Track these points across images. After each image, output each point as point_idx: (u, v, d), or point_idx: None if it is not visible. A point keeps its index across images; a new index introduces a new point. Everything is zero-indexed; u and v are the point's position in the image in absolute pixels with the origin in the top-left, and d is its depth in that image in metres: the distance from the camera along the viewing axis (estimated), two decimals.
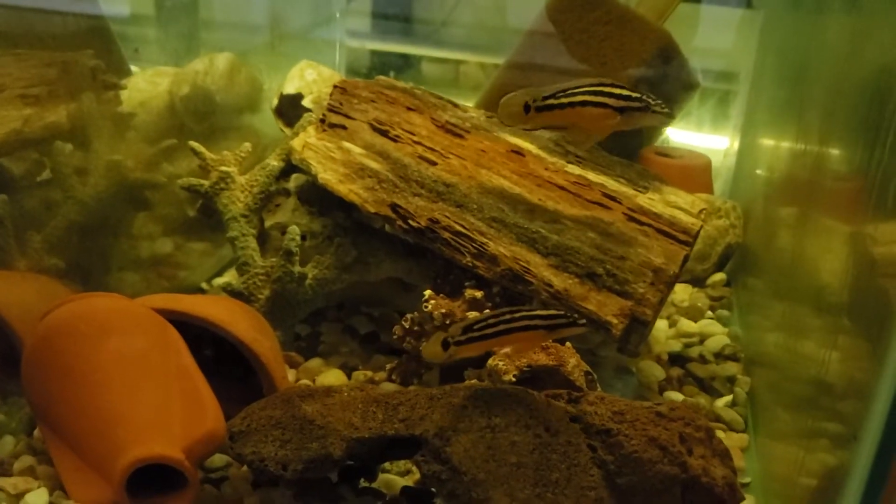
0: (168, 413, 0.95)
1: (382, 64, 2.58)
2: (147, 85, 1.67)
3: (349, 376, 1.34)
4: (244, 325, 1.13)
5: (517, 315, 1.00)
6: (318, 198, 1.44)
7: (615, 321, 1.22)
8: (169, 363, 0.99)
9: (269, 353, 1.13)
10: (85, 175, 1.38)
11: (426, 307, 1.26)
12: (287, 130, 1.67)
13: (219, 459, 1.11)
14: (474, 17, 2.58)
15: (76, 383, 0.97)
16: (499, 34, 2.51)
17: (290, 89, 1.69)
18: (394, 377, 1.32)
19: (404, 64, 2.63)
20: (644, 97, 1.24)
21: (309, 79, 1.72)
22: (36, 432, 1.12)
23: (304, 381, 1.32)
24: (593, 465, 0.90)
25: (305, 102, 1.68)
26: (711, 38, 2.18)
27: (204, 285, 1.58)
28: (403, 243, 1.40)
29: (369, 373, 1.34)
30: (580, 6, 1.88)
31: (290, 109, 1.70)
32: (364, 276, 1.42)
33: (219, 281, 1.59)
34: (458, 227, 1.30)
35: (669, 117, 1.29)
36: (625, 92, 1.21)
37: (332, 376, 1.33)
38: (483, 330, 0.98)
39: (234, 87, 1.72)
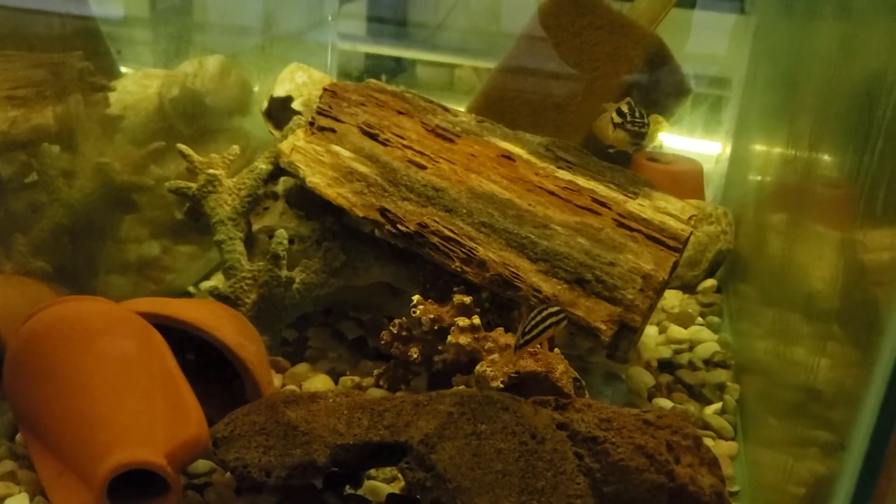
0: (151, 418, 0.94)
1: (377, 67, 2.57)
2: (136, 87, 1.66)
3: (336, 382, 1.33)
4: (229, 329, 1.12)
5: (544, 314, 1.10)
6: (306, 201, 1.43)
7: (604, 327, 1.21)
8: (152, 367, 0.98)
9: (254, 358, 1.12)
10: (72, 177, 1.37)
11: (414, 312, 1.25)
12: (276, 133, 1.66)
13: (202, 465, 1.10)
14: (469, 21, 2.58)
15: (58, 387, 0.96)
16: (493, 38, 2.51)
17: (280, 92, 1.69)
18: (381, 383, 1.31)
19: (399, 67, 2.62)
20: (627, 114, 1.45)
21: (299, 81, 1.71)
22: (17, 437, 1.10)
23: (291, 387, 1.31)
24: (579, 473, 0.89)
25: (295, 105, 1.67)
26: (704, 44, 2.18)
27: (191, 289, 1.57)
28: (392, 248, 1.39)
29: (356, 378, 1.33)
30: (572, 11, 1.88)
31: (280, 112, 1.69)
32: (352, 280, 1.41)
33: (206, 284, 1.58)
34: (447, 232, 1.30)
35: (634, 140, 1.47)
36: (625, 109, 1.46)
37: (319, 381, 1.32)
38: (531, 332, 1.09)
39: (224, 89, 1.72)
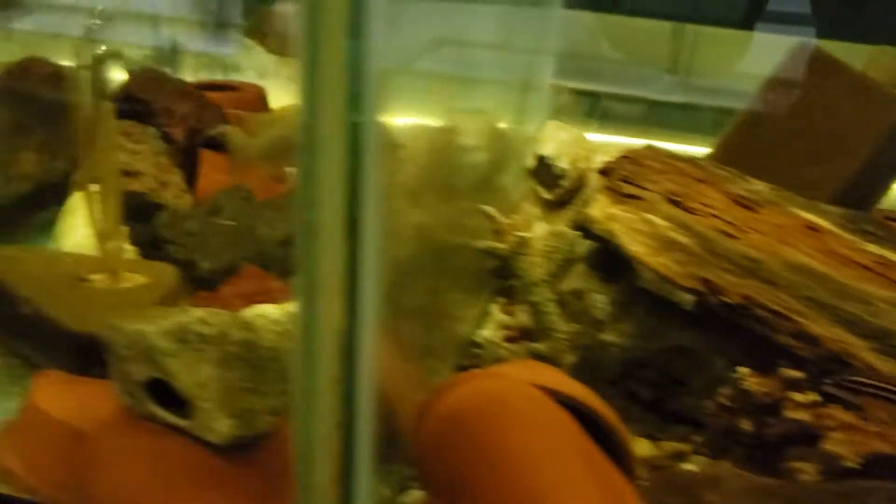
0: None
1: None
2: (408, 140, 1.71)
3: (654, 446, 1.37)
4: (599, 403, 1.16)
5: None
6: (608, 265, 1.47)
7: None
8: (580, 448, 1.02)
9: (625, 434, 1.16)
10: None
11: (744, 384, 1.28)
12: (545, 192, 1.71)
13: None
14: None
15: (495, 470, 1.00)
16: None
17: (545, 151, 1.73)
18: (703, 451, 1.35)
19: None
20: None
21: (561, 139, 1.75)
22: (409, 499, 1.16)
23: None
24: None
25: (561, 164, 1.71)
26: None
27: (478, 339, 1.61)
28: (690, 313, 1.42)
29: (675, 444, 1.37)
30: (820, 69, 1.90)
31: (541, 170, 1.73)
32: (656, 343, 1.45)
33: (484, 334, 1.63)
34: (774, 306, 1.33)
35: None
36: None
37: (639, 446, 1.35)
38: None
39: (494, 143, 1.76)
